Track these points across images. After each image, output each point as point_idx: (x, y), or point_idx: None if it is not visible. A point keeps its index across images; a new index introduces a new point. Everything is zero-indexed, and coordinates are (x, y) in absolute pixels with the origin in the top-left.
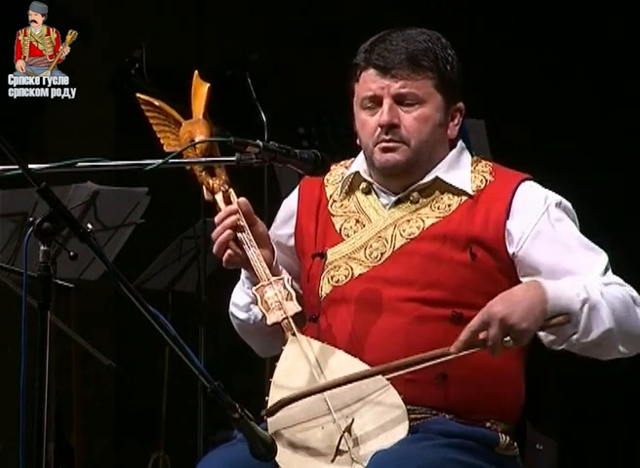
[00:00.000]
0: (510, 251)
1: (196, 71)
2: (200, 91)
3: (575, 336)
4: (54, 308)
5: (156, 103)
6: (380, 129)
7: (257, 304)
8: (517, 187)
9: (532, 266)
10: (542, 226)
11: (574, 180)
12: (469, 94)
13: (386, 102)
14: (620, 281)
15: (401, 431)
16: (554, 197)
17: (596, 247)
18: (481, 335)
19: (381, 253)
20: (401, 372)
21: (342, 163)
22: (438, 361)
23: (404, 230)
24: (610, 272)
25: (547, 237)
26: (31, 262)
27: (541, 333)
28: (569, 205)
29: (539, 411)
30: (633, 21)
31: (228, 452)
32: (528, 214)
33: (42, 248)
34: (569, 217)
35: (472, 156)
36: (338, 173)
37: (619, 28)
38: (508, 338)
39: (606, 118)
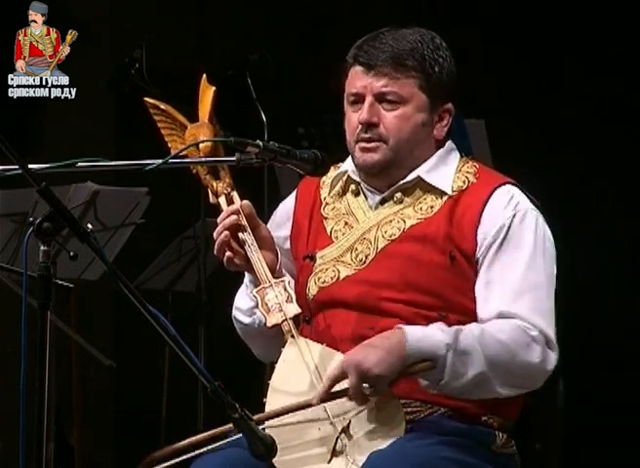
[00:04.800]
0: (477, 255)
1: (204, 75)
2: (206, 94)
3: (443, 382)
4: (54, 308)
5: (162, 107)
6: (360, 126)
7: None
8: (493, 192)
9: (479, 273)
10: (500, 233)
11: (573, 180)
12: (469, 94)
13: (367, 100)
14: (526, 314)
15: (397, 432)
16: (526, 205)
17: (536, 268)
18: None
19: (366, 256)
20: (270, 420)
21: (339, 165)
22: (302, 410)
23: (385, 231)
24: (533, 297)
25: (497, 245)
26: (31, 262)
27: (420, 380)
28: (540, 217)
29: (540, 411)
30: (635, 21)
31: (223, 454)
32: (494, 218)
33: (42, 248)
34: (532, 228)
35: (462, 157)
36: (332, 175)
37: (620, 28)
38: (367, 385)
39: (607, 118)
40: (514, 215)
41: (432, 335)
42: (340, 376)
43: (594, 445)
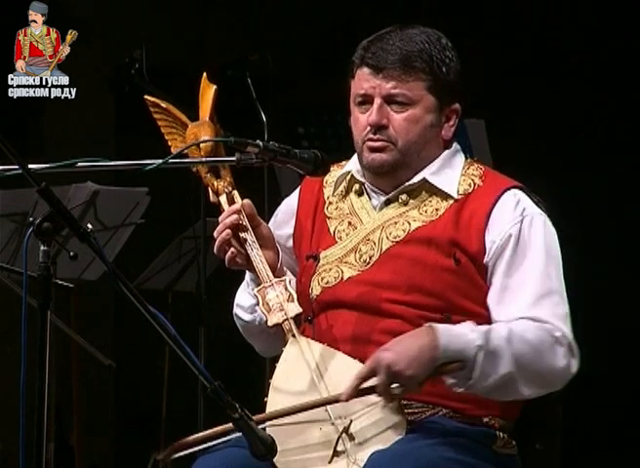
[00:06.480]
0: (485, 259)
1: (204, 73)
2: (207, 93)
3: (471, 382)
4: (54, 308)
5: (163, 105)
6: (369, 128)
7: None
8: (500, 196)
9: (490, 278)
10: (511, 239)
11: (574, 180)
12: (469, 94)
13: (376, 102)
14: (547, 317)
15: (398, 433)
16: (533, 210)
17: (549, 274)
18: (371, 382)
19: (370, 257)
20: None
21: (342, 163)
22: (330, 405)
23: (390, 233)
24: (552, 302)
25: (509, 252)
26: (31, 262)
27: (446, 379)
28: (547, 220)
29: (540, 411)
30: (634, 21)
31: (225, 453)
32: (502, 223)
33: (42, 248)
34: (542, 233)
35: (466, 158)
36: (336, 174)
37: (620, 27)
38: (397, 385)
39: (608, 117)
40: (522, 221)
41: (464, 335)
42: (370, 375)
43: (594, 444)
